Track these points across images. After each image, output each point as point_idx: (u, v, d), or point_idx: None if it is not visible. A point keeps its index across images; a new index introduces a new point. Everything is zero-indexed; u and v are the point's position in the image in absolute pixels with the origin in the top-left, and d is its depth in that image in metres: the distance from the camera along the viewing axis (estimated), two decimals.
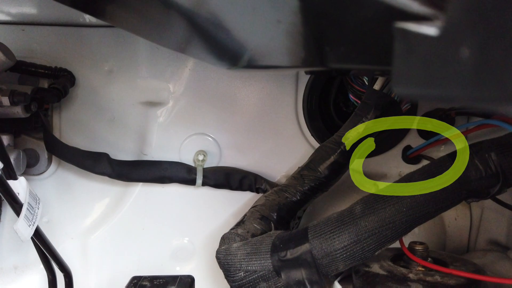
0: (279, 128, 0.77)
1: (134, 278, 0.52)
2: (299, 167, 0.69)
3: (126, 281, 0.78)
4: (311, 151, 0.70)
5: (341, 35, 0.27)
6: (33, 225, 0.52)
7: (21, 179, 0.53)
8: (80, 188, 0.77)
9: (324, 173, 0.66)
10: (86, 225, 0.78)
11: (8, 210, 0.77)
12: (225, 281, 0.60)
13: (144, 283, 0.50)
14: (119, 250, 0.78)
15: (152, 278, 0.51)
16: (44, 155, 0.76)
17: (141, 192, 0.77)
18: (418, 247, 0.49)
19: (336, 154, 0.66)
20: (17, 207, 0.50)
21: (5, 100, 0.59)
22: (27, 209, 0.51)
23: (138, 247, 0.78)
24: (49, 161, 0.77)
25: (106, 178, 0.73)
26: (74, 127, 0.77)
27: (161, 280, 0.51)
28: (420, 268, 0.47)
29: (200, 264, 0.79)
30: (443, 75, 0.14)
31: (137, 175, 0.72)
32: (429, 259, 0.49)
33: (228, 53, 0.46)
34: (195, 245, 0.79)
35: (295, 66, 0.65)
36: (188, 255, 0.79)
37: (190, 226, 0.78)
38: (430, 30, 0.15)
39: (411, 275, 0.46)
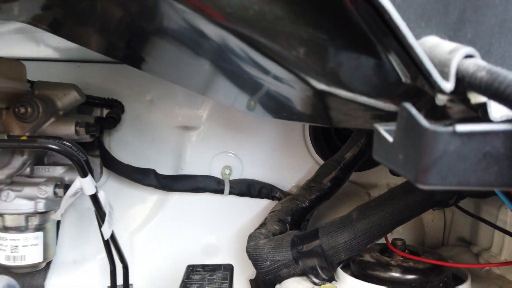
0: (290, 148, 0.95)
1: (190, 266, 0.70)
2: (307, 180, 0.87)
3: (165, 272, 0.96)
4: (316, 167, 0.88)
5: (341, 117, 0.45)
6: (111, 226, 0.69)
7: (101, 192, 0.70)
8: (127, 196, 0.95)
9: (327, 185, 0.84)
10: (132, 226, 0.95)
11: (66, 214, 0.94)
12: (245, 270, 0.77)
13: (198, 269, 0.67)
14: (159, 247, 0.95)
15: (203, 266, 0.69)
16: (97, 169, 0.93)
17: (178, 200, 0.94)
18: (398, 242, 0.67)
19: (337, 170, 0.84)
20: (102, 214, 0.67)
21: (82, 131, 0.77)
22: (108, 215, 0.69)
23: (174, 244, 0.96)
24: (101, 173, 0.94)
25: (149, 188, 0.91)
26: (121, 146, 0.94)
27: (210, 267, 0.68)
28: (399, 258, 0.65)
29: (225, 257, 0.96)
30: (393, 164, 0.32)
31: (177, 187, 0.90)
32: (406, 250, 0.67)
33: (243, 104, 0.64)
34: (221, 242, 0.97)
35: (304, 121, 0.83)
36: (216, 251, 0.97)
37: (218, 227, 0.96)
38: (388, 137, 0.33)
39: (392, 262, 0.64)
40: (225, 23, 0.34)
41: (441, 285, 0.61)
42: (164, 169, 0.93)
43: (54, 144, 0.60)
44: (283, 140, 0.94)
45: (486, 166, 0.29)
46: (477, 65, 0.30)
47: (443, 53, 0.33)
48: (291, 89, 0.44)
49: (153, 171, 0.88)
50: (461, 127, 0.27)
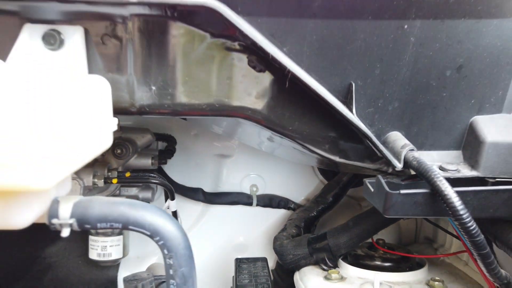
0: (301, 171, 1.25)
1: (237, 259, 1.00)
2: (315, 196, 1.18)
3: (205, 266, 1.25)
4: (321, 186, 1.19)
5: (343, 168, 0.76)
6: None
7: (172, 202, 1.00)
8: (177, 207, 1.24)
9: (330, 199, 1.15)
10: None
11: None
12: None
13: (244, 261, 0.98)
14: (202, 246, 1.25)
15: (247, 258, 0.99)
16: (155, 187, 1.23)
17: (216, 210, 1.24)
18: (380, 241, 0.99)
19: (337, 188, 1.15)
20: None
21: (155, 163, 1.07)
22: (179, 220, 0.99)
23: (213, 243, 1.26)
24: (156, 191, 1.24)
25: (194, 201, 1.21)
26: (174, 170, 1.24)
27: (251, 259, 0.99)
28: (381, 252, 0.97)
29: (251, 253, 1.27)
30: (372, 202, 0.63)
31: (218, 200, 1.20)
32: (386, 247, 0.99)
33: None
34: (248, 241, 1.27)
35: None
36: (244, 248, 1.27)
37: (246, 230, 1.26)
38: (370, 187, 0.65)
39: (376, 255, 0.95)
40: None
41: (407, 269, 0.92)
42: (206, 187, 1.24)
43: (155, 179, 0.90)
44: (296, 165, 1.25)
45: (416, 207, 0.61)
46: (414, 156, 0.61)
47: (398, 147, 0.64)
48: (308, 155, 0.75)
49: (201, 190, 1.19)
50: (403, 191, 0.59)
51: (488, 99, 0.69)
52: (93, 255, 1.09)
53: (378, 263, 0.95)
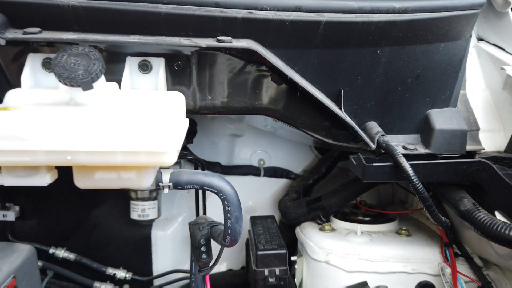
0: (300, 147, 1.52)
1: (252, 217, 1.28)
2: (311, 167, 1.46)
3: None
4: (316, 160, 1.47)
5: (335, 148, 1.03)
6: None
7: None
8: None
9: (323, 170, 1.43)
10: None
11: None
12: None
13: (257, 218, 1.26)
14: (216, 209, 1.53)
15: (260, 216, 1.27)
16: (181, 161, 1.49)
17: (231, 179, 1.50)
18: (362, 202, 1.28)
19: (329, 161, 1.43)
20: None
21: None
22: None
23: None
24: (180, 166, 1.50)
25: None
26: (195, 147, 1.50)
27: (263, 217, 1.27)
28: (362, 210, 1.26)
29: (259, 214, 1.55)
30: (355, 172, 0.91)
31: (232, 172, 1.47)
32: (367, 206, 1.28)
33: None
34: (256, 205, 1.55)
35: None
36: (253, 210, 1.55)
37: (255, 195, 1.54)
38: (353, 162, 0.93)
39: (359, 212, 1.25)
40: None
41: (382, 222, 1.22)
42: (222, 161, 1.50)
43: (190, 155, 1.16)
44: (295, 143, 1.52)
45: (384, 175, 0.89)
46: (383, 140, 0.89)
47: (373, 133, 0.91)
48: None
49: (219, 163, 1.46)
50: (375, 164, 0.86)
51: (439, 98, 0.96)
52: (134, 215, 1.37)
53: (360, 218, 1.24)
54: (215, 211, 1.45)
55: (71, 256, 1.38)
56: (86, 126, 0.58)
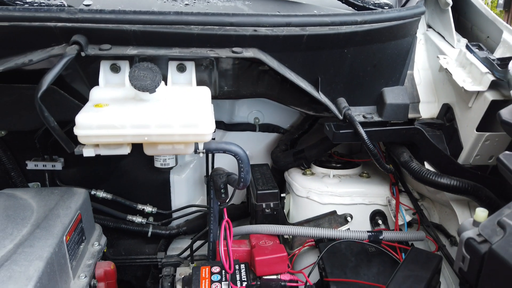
0: (288, 108, 1.87)
1: (251, 165, 1.66)
2: (297, 124, 1.82)
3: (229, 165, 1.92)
4: (302, 117, 1.83)
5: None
6: None
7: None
8: None
9: (306, 126, 1.79)
10: None
11: None
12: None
13: (255, 165, 1.64)
14: (222, 156, 1.90)
15: (256, 164, 1.65)
16: None
17: (232, 134, 1.86)
18: (336, 152, 1.66)
19: (311, 119, 1.78)
20: None
21: None
22: None
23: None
24: None
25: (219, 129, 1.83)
26: None
27: (258, 165, 1.65)
28: (335, 158, 1.64)
29: (254, 162, 1.93)
30: (328, 135, 1.28)
31: (233, 128, 1.82)
32: (339, 155, 1.66)
33: None
34: (253, 154, 1.92)
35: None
36: (250, 159, 1.92)
37: (251, 147, 1.90)
38: (327, 128, 1.29)
39: (332, 160, 1.63)
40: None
41: (350, 167, 1.61)
42: (224, 120, 1.84)
43: None
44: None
45: (348, 138, 1.26)
46: (348, 113, 1.25)
47: (341, 107, 1.28)
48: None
49: (222, 122, 1.80)
50: (341, 131, 1.23)
51: (391, 79, 1.30)
52: (157, 164, 1.73)
53: (333, 164, 1.63)
54: (218, 159, 1.83)
55: (108, 196, 1.76)
56: (155, 116, 0.91)
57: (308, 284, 1.13)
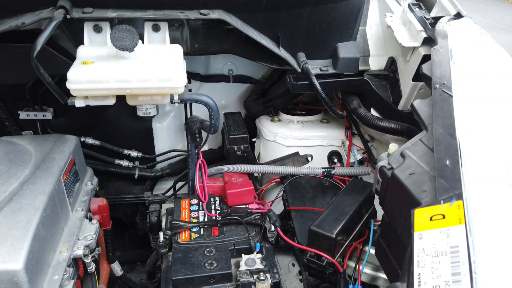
0: None
1: (225, 113, 1.84)
2: (267, 75, 1.99)
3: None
4: (271, 69, 1.99)
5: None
6: None
7: (189, 84, 1.79)
8: None
9: (275, 78, 1.96)
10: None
11: None
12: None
13: (229, 113, 1.82)
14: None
15: (229, 112, 1.84)
16: None
17: (208, 85, 2.02)
18: (301, 100, 1.86)
19: (280, 71, 1.95)
20: None
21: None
22: None
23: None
24: None
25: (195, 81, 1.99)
26: None
27: (232, 112, 1.84)
28: (300, 106, 1.84)
29: (229, 110, 2.11)
30: (288, 85, 1.47)
31: (208, 80, 1.98)
32: (304, 103, 1.86)
33: None
34: (228, 103, 2.10)
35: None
36: (225, 107, 2.11)
37: (226, 96, 2.08)
38: (288, 80, 1.48)
39: (297, 108, 1.83)
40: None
41: (313, 114, 1.81)
42: (200, 71, 2.00)
43: None
44: None
45: (307, 88, 1.46)
46: (305, 66, 1.44)
47: (300, 61, 1.46)
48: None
49: (198, 74, 1.96)
50: (299, 82, 1.42)
51: (344, 35, 1.47)
52: (140, 113, 1.90)
53: (298, 112, 1.83)
54: (195, 107, 2.00)
55: (96, 142, 1.94)
56: (135, 72, 1.08)
57: (269, 209, 1.36)
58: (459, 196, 0.69)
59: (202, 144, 1.42)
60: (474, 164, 0.76)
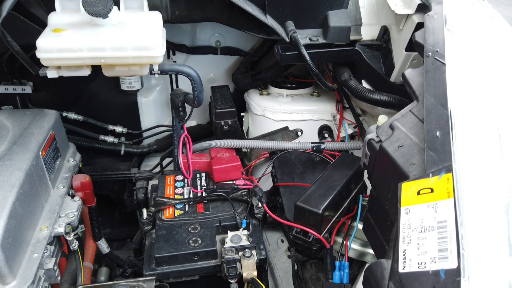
0: None
1: (212, 86, 1.78)
2: (256, 47, 1.91)
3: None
4: (261, 40, 1.92)
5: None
6: None
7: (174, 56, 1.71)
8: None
9: (265, 49, 1.89)
10: None
11: None
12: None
13: (216, 87, 1.76)
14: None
15: (217, 86, 1.77)
16: None
17: (195, 58, 1.95)
18: (291, 73, 1.79)
19: (269, 42, 1.88)
20: None
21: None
22: None
23: None
24: None
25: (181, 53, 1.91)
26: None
27: (219, 86, 1.78)
28: (290, 79, 1.78)
29: (219, 82, 2.04)
30: (276, 56, 1.40)
31: (195, 51, 1.91)
32: (294, 76, 1.80)
33: None
34: (216, 77, 2.04)
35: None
36: (214, 80, 2.04)
37: (214, 69, 2.01)
38: (275, 50, 1.41)
39: (287, 81, 1.77)
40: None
41: (303, 87, 1.75)
42: (187, 43, 1.92)
43: None
44: None
45: (294, 59, 1.39)
46: (294, 35, 1.37)
47: (288, 30, 1.39)
48: None
49: (184, 45, 1.88)
50: (287, 52, 1.36)
51: (335, 2, 1.40)
52: (124, 87, 1.83)
53: (288, 85, 1.77)
54: (181, 81, 1.94)
55: (79, 117, 1.88)
56: (110, 40, 1.01)
57: (255, 185, 1.33)
58: (449, 169, 0.65)
59: (186, 118, 1.37)
60: (466, 135, 0.71)
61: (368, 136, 0.89)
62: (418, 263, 0.56)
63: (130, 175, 1.98)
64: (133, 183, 1.98)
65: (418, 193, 0.65)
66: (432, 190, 0.64)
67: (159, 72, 1.14)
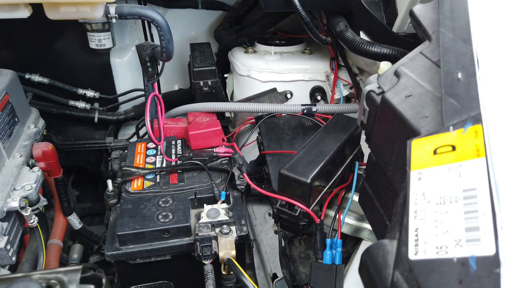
0: None
1: (191, 43, 1.58)
2: (242, 0, 1.70)
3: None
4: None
5: None
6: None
7: None
8: None
9: (251, 2, 1.68)
10: None
11: None
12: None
13: (195, 45, 1.56)
14: None
15: (197, 43, 1.57)
16: None
17: (173, 13, 1.74)
18: (280, 28, 1.59)
19: (254, 9, 1.67)
20: None
21: None
22: None
23: (174, 36, 1.81)
24: None
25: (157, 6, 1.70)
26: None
27: (199, 43, 1.58)
28: (279, 35, 1.58)
29: (199, 41, 1.84)
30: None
31: (173, 6, 1.70)
32: (283, 32, 1.60)
33: None
34: (197, 35, 1.83)
35: None
36: (194, 39, 1.84)
37: (196, 26, 1.80)
38: None
39: (275, 37, 1.57)
40: None
41: (292, 43, 1.56)
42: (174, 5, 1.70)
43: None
44: None
45: (281, 5, 1.18)
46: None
47: None
48: None
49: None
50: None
51: None
52: (93, 45, 1.63)
53: (276, 41, 1.58)
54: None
55: (45, 80, 1.68)
56: None
57: (235, 151, 1.16)
58: (477, 119, 0.48)
59: (156, 75, 1.18)
60: (496, 76, 0.54)
61: (367, 88, 0.72)
62: (437, 247, 0.40)
63: (106, 145, 1.81)
64: (109, 153, 1.81)
65: (435, 152, 0.48)
66: (454, 148, 0.47)
67: (116, 15, 0.94)
